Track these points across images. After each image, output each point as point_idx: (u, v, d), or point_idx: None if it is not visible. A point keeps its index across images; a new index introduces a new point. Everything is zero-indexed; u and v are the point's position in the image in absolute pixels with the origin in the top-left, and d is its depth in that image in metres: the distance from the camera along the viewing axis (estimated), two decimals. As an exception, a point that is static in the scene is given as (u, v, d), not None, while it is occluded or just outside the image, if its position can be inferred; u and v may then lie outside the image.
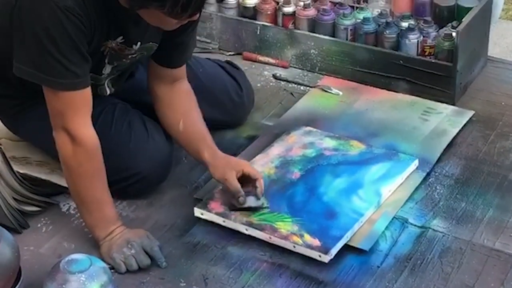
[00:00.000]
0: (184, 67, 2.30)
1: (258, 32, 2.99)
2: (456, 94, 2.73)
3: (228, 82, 2.58)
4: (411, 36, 2.77)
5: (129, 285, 2.02)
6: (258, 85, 2.86)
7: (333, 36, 2.88)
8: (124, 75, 2.35)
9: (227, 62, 2.68)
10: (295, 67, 2.97)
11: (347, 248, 2.10)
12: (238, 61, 2.91)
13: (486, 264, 2.08)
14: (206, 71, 2.55)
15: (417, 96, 2.75)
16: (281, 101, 2.79)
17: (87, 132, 2.05)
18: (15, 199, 2.19)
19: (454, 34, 2.69)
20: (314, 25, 2.91)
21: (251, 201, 2.18)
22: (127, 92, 2.38)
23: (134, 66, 2.39)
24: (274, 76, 2.93)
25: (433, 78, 2.73)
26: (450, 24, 2.78)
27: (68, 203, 2.28)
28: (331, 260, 2.05)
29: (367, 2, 2.98)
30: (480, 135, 2.58)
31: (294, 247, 2.09)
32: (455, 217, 2.24)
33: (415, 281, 2.03)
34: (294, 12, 2.94)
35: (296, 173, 2.34)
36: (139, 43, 2.16)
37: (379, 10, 2.91)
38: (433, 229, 2.19)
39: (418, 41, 2.76)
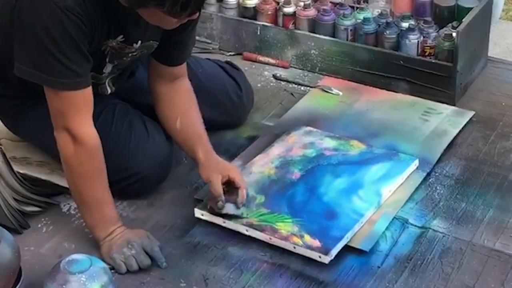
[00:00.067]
0: (184, 65, 2.30)
1: (258, 33, 2.99)
2: (456, 94, 2.73)
3: (228, 82, 2.57)
4: (411, 37, 2.76)
5: (130, 285, 2.02)
6: (259, 85, 2.86)
7: (333, 37, 2.88)
8: (125, 74, 2.35)
9: (227, 62, 2.68)
10: (295, 68, 2.97)
11: (347, 248, 2.10)
12: (238, 61, 2.91)
13: (486, 264, 2.08)
14: (205, 71, 2.55)
15: (417, 96, 2.75)
16: (281, 101, 2.79)
17: (89, 132, 2.05)
18: (15, 199, 2.19)
19: (454, 34, 2.69)
20: (314, 26, 2.91)
21: (229, 208, 2.16)
22: (128, 91, 2.38)
23: (135, 65, 2.39)
24: (275, 77, 2.93)
25: (433, 78, 2.73)
26: (450, 24, 2.78)
27: (68, 203, 2.28)
28: (331, 260, 2.05)
29: (367, 3, 2.98)
30: (481, 135, 2.58)
31: (294, 248, 2.08)
32: (455, 217, 2.24)
33: (415, 282, 2.03)
34: (295, 12, 2.94)
35: (296, 173, 2.34)
36: (139, 42, 2.16)
37: (379, 10, 2.91)
38: (433, 230, 2.19)
39: (418, 41, 2.76)
